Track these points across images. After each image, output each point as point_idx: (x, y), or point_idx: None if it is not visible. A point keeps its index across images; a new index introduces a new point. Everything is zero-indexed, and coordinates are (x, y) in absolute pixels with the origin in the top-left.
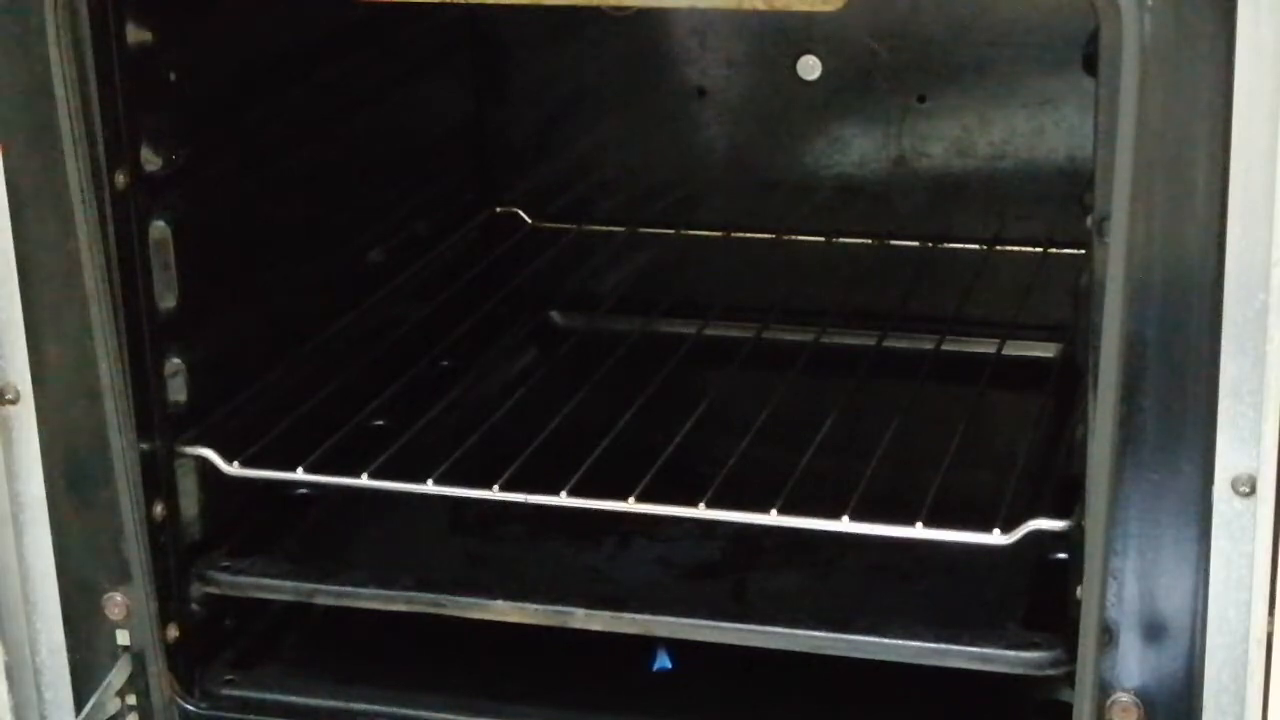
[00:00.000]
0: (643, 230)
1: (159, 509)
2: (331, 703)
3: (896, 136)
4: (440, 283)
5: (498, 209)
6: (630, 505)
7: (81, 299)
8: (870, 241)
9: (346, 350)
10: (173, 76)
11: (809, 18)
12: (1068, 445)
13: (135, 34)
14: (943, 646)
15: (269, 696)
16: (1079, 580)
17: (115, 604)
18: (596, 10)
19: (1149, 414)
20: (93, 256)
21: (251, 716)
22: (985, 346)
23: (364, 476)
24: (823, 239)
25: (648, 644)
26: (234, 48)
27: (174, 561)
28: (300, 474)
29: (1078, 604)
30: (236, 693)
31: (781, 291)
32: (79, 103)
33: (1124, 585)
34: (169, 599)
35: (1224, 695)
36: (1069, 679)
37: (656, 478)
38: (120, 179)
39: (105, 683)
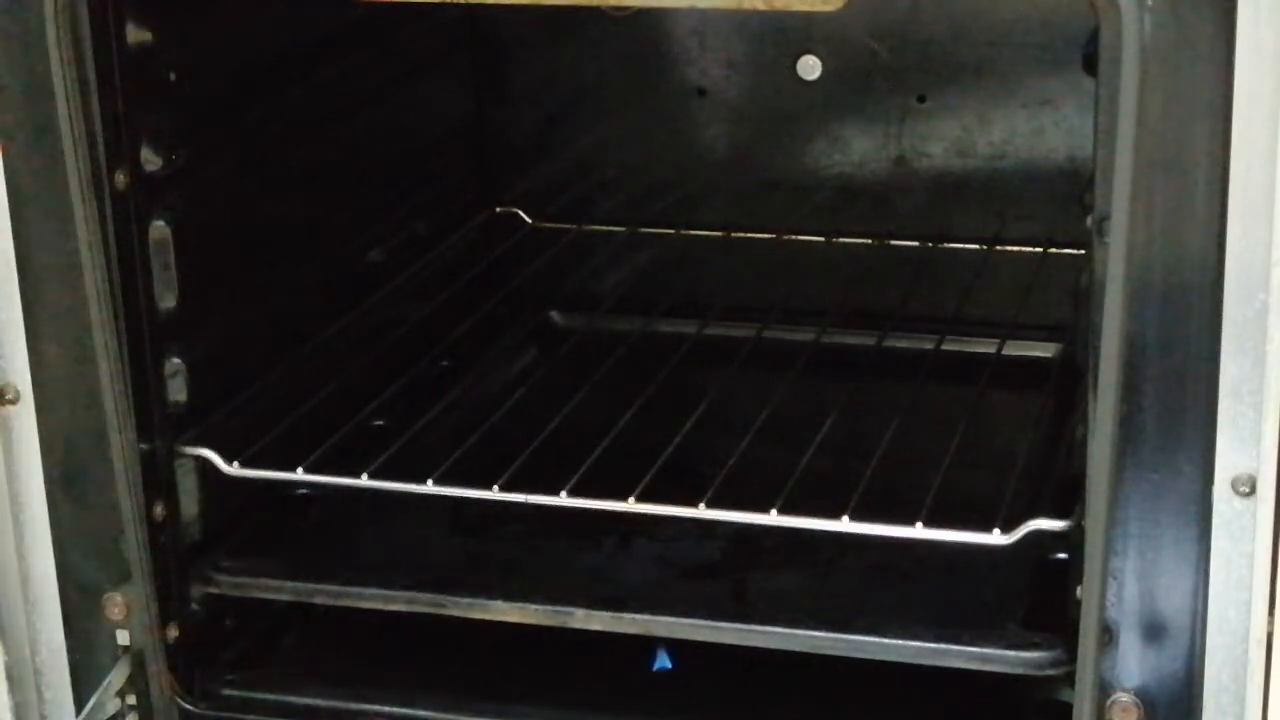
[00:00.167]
0: (643, 230)
1: (159, 509)
2: (331, 703)
3: (896, 136)
4: (440, 283)
5: (498, 209)
6: (630, 505)
7: (81, 299)
8: (870, 241)
9: (346, 350)
10: (173, 76)
11: (809, 18)
12: (1068, 445)
13: (135, 34)
14: (943, 646)
15: (269, 696)
16: (1079, 580)
17: (115, 604)
18: (596, 10)
19: (1149, 414)
20: (93, 256)
21: (251, 716)
22: (985, 346)
23: (364, 476)
24: (823, 239)
25: (648, 644)
26: (234, 48)
27: (174, 561)
28: (300, 474)
29: (1078, 604)
30: (236, 693)
31: (781, 291)
32: (79, 103)
33: (1124, 585)
34: (169, 599)
35: (1224, 695)
36: (1069, 679)
37: (656, 478)
38: (120, 179)
39: (105, 683)
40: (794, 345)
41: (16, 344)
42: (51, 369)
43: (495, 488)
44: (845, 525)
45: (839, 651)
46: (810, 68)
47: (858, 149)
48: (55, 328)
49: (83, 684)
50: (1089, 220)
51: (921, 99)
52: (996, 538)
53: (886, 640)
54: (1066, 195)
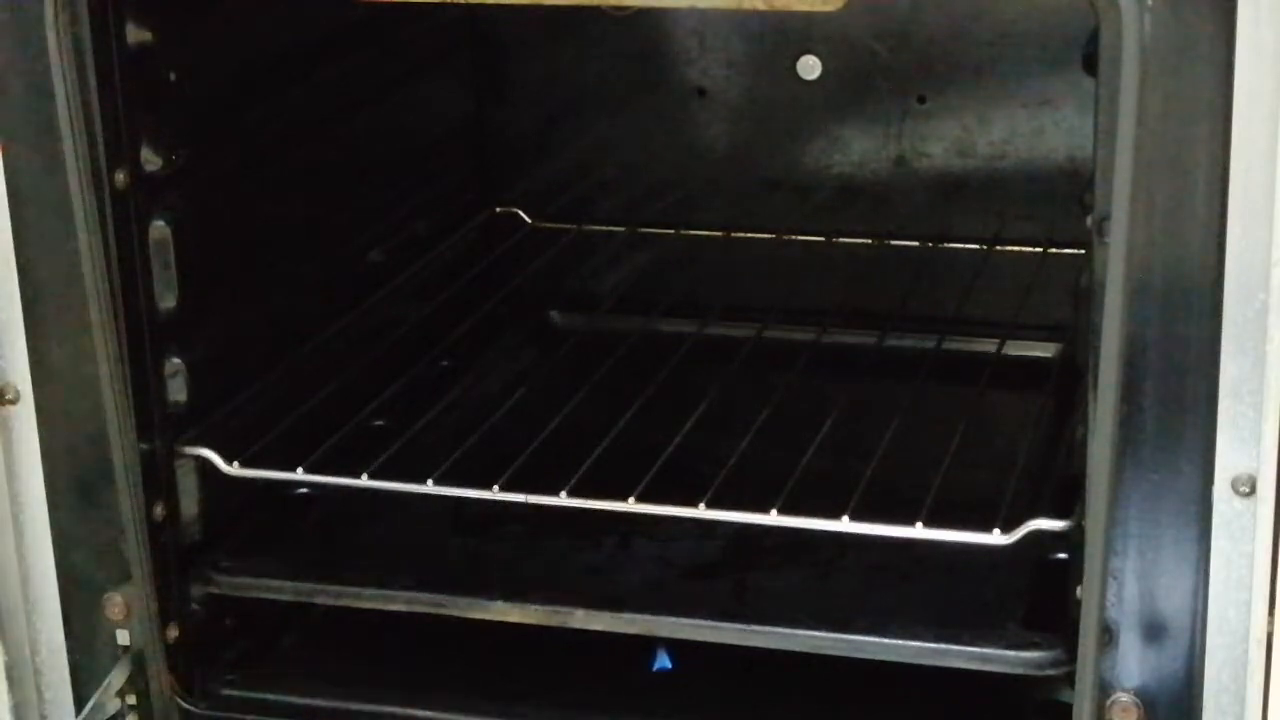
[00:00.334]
0: (643, 230)
1: (159, 509)
2: (331, 703)
3: (896, 136)
4: (440, 283)
5: (498, 209)
6: (630, 505)
7: (81, 299)
8: (870, 241)
9: (346, 350)
10: (173, 76)
11: (809, 18)
12: (1068, 445)
13: (135, 34)
14: (943, 646)
15: (269, 696)
16: (1079, 580)
17: (115, 604)
18: (596, 10)
19: (1149, 414)
20: (93, 256)
21: (251, 716)
22: (985, 346)
23: (364, 476)
24: (823, 239)
25: (648, 644)
26: (234, 48)
27: (174, 561)
28: (300, 474)
29: (1078, 604)
30: (236, 693)
31: (781, 291)
32: (79, 103)
33: (1124, 585)
34: (169, 599)
35: (1224, 695)
36: (1069, 679)
37: (656, 478)
38: (120, 179)
39: (105, 683)
40: (794, 345)
41: (16, 344)
42: (51, 369)
43: (495, 488)
44: (845, 525)
45: (839, 651)
46: (810, 68)
47: (858, 149)
48: (55, 328)
49: (83, 684)
50: (1089, 220)
51: (921, 99)
52: (996, 538)
53: (886, 640)
54: (1066, 195)
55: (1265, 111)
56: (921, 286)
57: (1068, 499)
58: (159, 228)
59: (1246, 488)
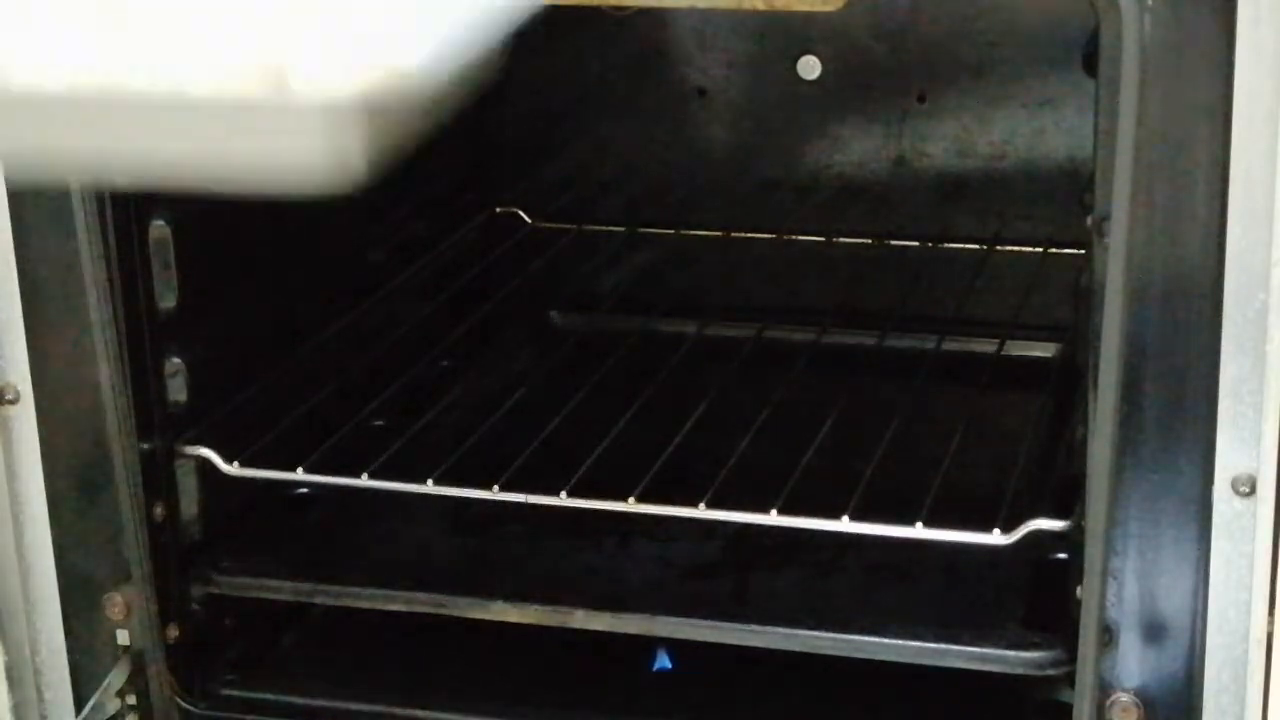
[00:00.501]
0: (643, 230)
1: (159, 509)
2: (331, 703)
3: (896, 136)
4: (440, 283)
5: (498, 209)
6: (630, 505)
7: (81, 299)
8: (870, 241)
9: (346, 350)
10: None
11: (809, 18)
12: (1068, 445)
13: None
14: (943, 646)
15: (269, 696)
16: (1079, 580)
17: (115, 604)
18: (596, 10)
19: (1149, 414)
20: (93, 256)
21: (251, 716)
22: (985, 346)
23: (364, 476)
24: (823, 239)
25: (648, 644)
26: None
27: (174, 561)
28: (300, 474)
29: (1078, 604)
30: (236, 693)
31: (781, 291)
32: None
33: (1124, 585)
34: (169, 599)
35: (1224, 695)
36: (1069, 679)
37: (656, 478)
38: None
39: (105, 683)
40: (794, 345)
41: (16, 344)
42: (51, 369)
43: (495, 488)
44: (845, 525)
45: (839, 651)
46: (810, 68)
47: (858, 149)
48: (55, 328)
49: (83, 684)
50: (1089, 220)
51: (921, 99)
52: (996, 538)
53: (886, 640)
54: (1066, 195)
55: (1265, 111)
56: (921, 286)
57: (1068, 499)
58: (159, 228)
59: (1246, 488)
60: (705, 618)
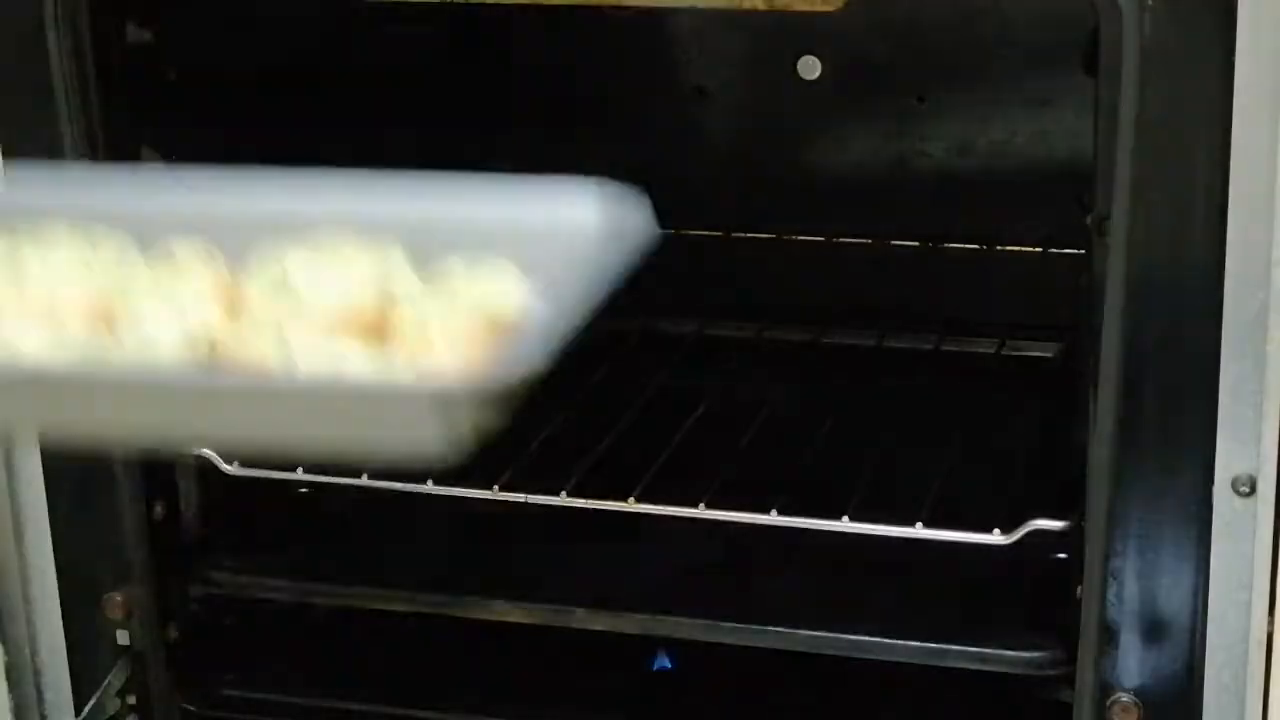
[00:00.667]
0: None
1: (159, 508)
2: (331, 703)
3: (896, 136)
4: None
5: None
6: (630, 505)
7: None
8: (870, 241)
9: None
10: (173, 76)
11: (809, 18)
12: (1067, 445)
13: (135, 34)
14: (943, 646)
15: (269, 696)
16: (1079, 580)
17: (115, 604)
18: (596, 10)
19: (1149, 414)
20: None
21: (251, 716)
22: (985, 346)
23: (364, 476)
24: (823, 239)
25: (648, 644)
26: (234, 48)
27: (174, 561)
28: (300, 474)
29: (1078, 604)
30: (236, 693)
31: (781, 291)
32: (79, 103)
33: (1124, 585)
34: (169, 599)
35: (1224, 695)
36: (1069, 679)
37: (656, 478)
38: None
39: (105, 683)
40: (794, 345)
41: None
42: None
43: (495, 488)
44: (845, 525)
45: (839, 651)
46: (810, 68)
47: (858, 149)
48: None
49: (83, 684)
50: (1089, 220)
51: (921, 99)
52: (996, 537)
53: (886, 640)
54: (1066, 195)
55: (1265, 111)
56: (921, 287)
57: (1068, 499)
58: None
59: (1246, 488)
60: (705, 618)
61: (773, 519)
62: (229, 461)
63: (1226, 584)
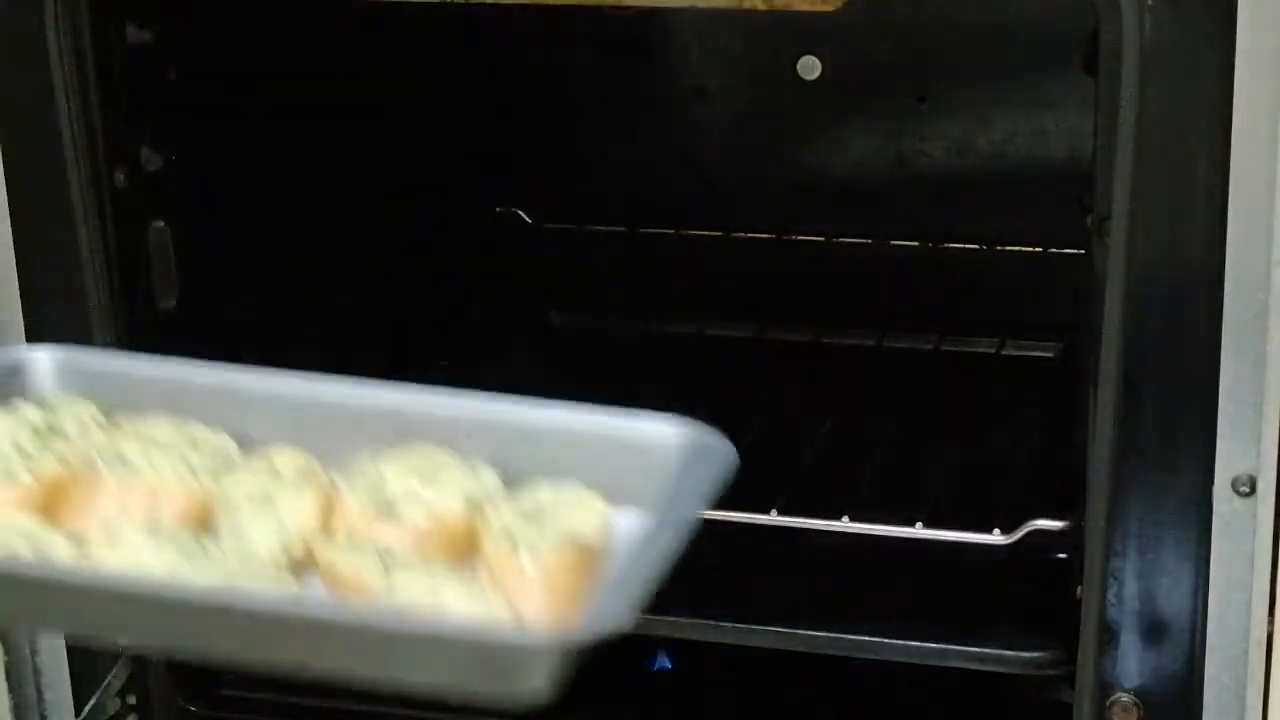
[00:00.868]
0: (643, 230)
1: None
2: (332, 703)
3: (896, 136)
4: (440, 283)
5: (498, 209)
6: None
7: (81, 299)
8: (870, 241)
9: (346, 350)
10: (173, 76)
11: (809, 18)
12: (1067, 445)
13: (135, 34)
14: (943, 646)
15: (269, 696)
16: (1079, 580)
17: None
18: (596, 10)
19: (1149, 414)
20: (93, 256)
21: (251, 716)
22: (985, 346)
23: None
24: (823, 239)
25: (648, 644)
26: (234, 48)
27: None
28: None
29: (1078, 604)
30: (236, 693)
31: (781, 291)
32: (79, 103)
33: (1124, 585)
34: None
35: (1224, 695)
36: (1069, 679)
37: None
38: (120, 179)
39: (105, 683)
40: (794, 345)
41: (16, 344)
42: None
43: None
44: (845, 525)
45: (839, 651)
46: (810, 68)
47: (858, 149)
48: (55, 328)
49: (83, 684)
50: (1089, 220)
51: (921, 99)
52: (996, 538)
53: (886, 640)
54: (1066, 195)
55: (1265, 111)
56: (921, 287)
57: (1068, 499)
58: (159, 228)
59: (1246, 488)
60: (705, 618)
61: (773, 519)
62: None
63: (1226, 584)
